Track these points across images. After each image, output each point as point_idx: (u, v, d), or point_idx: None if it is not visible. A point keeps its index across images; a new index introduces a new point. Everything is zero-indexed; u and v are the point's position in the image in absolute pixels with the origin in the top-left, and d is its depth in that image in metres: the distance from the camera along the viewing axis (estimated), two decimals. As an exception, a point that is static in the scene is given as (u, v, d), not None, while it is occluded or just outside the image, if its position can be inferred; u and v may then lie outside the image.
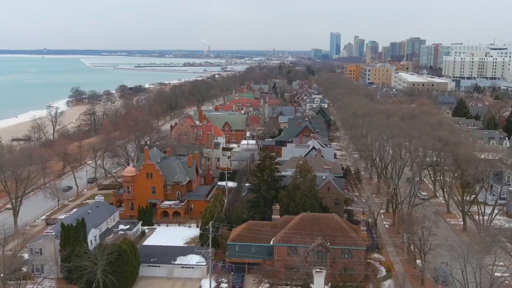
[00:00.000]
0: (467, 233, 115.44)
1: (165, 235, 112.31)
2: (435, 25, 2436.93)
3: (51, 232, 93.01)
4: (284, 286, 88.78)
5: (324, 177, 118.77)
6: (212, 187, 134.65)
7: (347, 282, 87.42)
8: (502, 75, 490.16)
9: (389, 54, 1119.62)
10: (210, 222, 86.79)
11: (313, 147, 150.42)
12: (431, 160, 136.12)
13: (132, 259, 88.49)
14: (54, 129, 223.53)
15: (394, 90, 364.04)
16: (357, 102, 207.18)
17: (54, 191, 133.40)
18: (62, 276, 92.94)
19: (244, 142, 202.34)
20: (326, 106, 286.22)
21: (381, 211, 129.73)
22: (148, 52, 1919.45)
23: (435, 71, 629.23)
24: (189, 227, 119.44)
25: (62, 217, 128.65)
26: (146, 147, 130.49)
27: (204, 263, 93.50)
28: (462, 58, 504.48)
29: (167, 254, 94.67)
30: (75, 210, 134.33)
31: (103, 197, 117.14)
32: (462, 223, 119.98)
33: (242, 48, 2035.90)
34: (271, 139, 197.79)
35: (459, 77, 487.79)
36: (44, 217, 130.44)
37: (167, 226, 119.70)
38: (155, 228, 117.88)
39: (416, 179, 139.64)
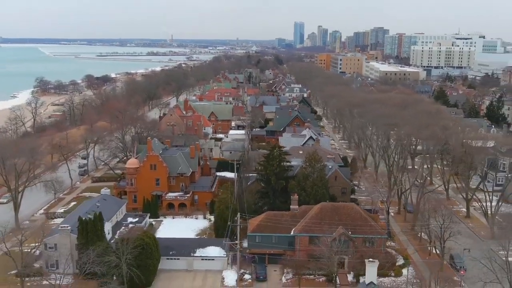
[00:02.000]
0: (471, 219, 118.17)
1: (174, 227, 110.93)
2: (397, 15, 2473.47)
3: (67, 227, 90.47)
4: (307, 276, 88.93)
5: (330, 166, 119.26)
6: (214, 178, 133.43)
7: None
8: (468, 64, 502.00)
9: (352, 43, 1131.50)
10: (238, 214, 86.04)
11: (311, 137, 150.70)
12: (427, 148, 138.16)
13: (155, 252, 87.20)
14: (34, 121, 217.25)
15: (369, 79, 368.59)
16: (343, 92, 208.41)
17: (51, 184, 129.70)
18: (78, 271, 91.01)
19: (232, 132, 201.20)
20: (305, 95, 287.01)
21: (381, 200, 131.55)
22: (109, 41, 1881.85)
23: (401, 60, 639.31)
24: (196, 218, 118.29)
25: (61, 210, 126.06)
26: (149, 138, 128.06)
27: (225, 255, 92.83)
28: (430, 48, 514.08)
29: (186, 247, 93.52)
30: (73, 203, 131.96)
31: (109, 190, 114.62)
32: (463, 209, 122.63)
33: (205, 37, 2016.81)
34: (259, 129, 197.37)
35: (427, 67, 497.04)
36: (42, 211, 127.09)
37: (173, 218, 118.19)
38: (161, 221, 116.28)
39: (410, 167, 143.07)
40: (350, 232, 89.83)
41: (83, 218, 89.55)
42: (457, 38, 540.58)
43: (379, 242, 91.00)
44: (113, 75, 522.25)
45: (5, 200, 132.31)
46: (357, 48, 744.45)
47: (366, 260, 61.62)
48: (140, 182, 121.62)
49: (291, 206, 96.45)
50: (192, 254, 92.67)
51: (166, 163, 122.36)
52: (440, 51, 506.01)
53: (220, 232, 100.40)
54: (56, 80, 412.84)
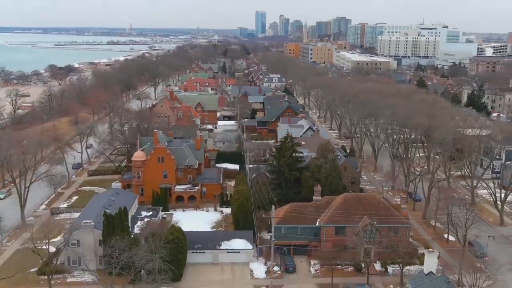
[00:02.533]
0: (477, 206, 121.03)
1: (187, 220, 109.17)
2: (359, 5, 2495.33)
3: (90, 222, 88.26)
4: (335, 266, 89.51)
5: (339, 157, 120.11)
6: (219, 170, 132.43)
7: (395, 259, 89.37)
8: (433, 54, 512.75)
9: (315, 33, 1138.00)
10: (273, 206, 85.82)
11: (309, 127, 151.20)
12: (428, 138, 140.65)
13: (185, 246, 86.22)
14: (14, 112, 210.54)
15: (344, 68, 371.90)
16: (330, 82, 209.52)
17: (50, 179, 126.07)
18: (101, 268, 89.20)
19: (221, 122, 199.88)
20: (284, 85, 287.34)
21: (385, 188, 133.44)
22: (66, 29, 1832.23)
23: (366, 50, 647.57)
24: (207, 211, 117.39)
25: (64, 205, 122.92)
26: (155, 130, 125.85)
27: (251, 247, 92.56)
28: (397, 38, 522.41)
29: (210, 240, 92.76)
30: (75, 197, 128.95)
31: (119, 184, 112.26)
32: (466, 197, 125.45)
33: (165, 26, 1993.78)
34: (248, 120, 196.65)
35: (395, 56, 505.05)
36: (44, 206, 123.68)
37: (183, 211, 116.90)
38: (172, 214, 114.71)
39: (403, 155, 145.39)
40: (375, 222, 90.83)
41: (108, 213, 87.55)
42: (422, 28, 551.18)
43: (403, 231, 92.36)
44: (76, 65, 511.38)
45: (2, 196, 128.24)
46: (326, 38, 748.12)
47: (425, 251, 62.69)
48: (147, 175, 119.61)
49: (314, 197, 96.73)
50: (217, 247, 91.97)
51: (173, 155, 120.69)
52: (407, 41, 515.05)
53: (240, 224, 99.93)
54: (18, 70, 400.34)
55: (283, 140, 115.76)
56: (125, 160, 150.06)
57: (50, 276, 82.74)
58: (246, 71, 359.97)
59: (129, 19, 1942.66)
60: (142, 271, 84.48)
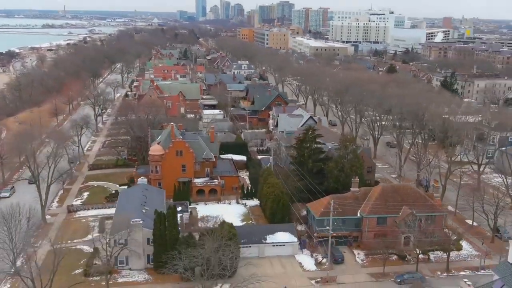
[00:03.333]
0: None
1: (214, 214, 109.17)
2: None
3: (138, 221, 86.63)
4: (379, 255, 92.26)
5: (354, 146, 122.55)
6: (231, 162, 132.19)
7: (434, 247, 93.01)
8: (384, 39, 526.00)
9: (258, 17, 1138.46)
10: (332, 201, 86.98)
11: (310, 117, 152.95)
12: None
13: (239, 241, 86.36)
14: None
15: (308, 55, 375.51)
16: (314, 69, 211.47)
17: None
18: (151, 267, 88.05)
19: (207, 112, 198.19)
20: (252, 72, 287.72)
21: (393, 176, 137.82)
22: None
23: (314, 35, 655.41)
24: (229, 204, 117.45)
25: (78, 202, 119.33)
26: (172, 123, 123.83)
27: (296, 240, 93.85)
28: (349, 23, 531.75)
29: (256, 234, 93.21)
30: (86, 193, 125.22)
31: (146, 180, 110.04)
32: (469, 182, 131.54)
33: (100, 8, 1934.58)
34: (235, 108, 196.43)
35: (346, 41, 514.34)
36: (56, 204, 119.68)
37: (206, 204, 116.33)
38: (195, 208, 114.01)
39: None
40: (414, 212, 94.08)
41: (159, 211, 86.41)
42: (371, 14, 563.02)
43: (439, 219, 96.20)
44: (17, 50, 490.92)
45: (7, 194, 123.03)
46: (278, 23, 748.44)
47: (510, 241, 65.80)
48: (165, 169, 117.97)
49: (351, 189, 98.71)
50: (263, 241, 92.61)
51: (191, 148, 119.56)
52: (358, 27, 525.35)
53: (277, 217, 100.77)
54: None
55: (304, 131, 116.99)
56: (126, 153, 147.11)
57: (108, 276, 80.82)
58: (209, 58, 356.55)
59: (62, 0, 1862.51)
60: (196, 268, 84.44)
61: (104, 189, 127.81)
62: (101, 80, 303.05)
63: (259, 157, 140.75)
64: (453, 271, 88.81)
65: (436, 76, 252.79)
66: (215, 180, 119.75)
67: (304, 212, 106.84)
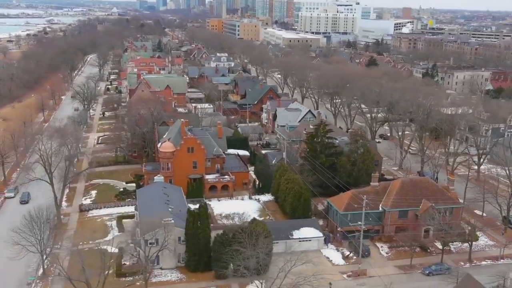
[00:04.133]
0: (483, 182, 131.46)
1: (231, 211, 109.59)
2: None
3: (170, 220, 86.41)
4: (401, 248, 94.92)
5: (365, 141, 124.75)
6: (238, 157, 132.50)
7: (452, 238, 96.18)
8: (352, 30, 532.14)
9: (220, 7, 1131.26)
10: (365, 197, 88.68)
11: (309, 111, 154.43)
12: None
13: (271, 238, 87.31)
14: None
15: (284, 46, 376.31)
16: (301, 62, 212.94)
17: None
18: (182, 265, 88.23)
19: (198, 105, 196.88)
20: (232, 64, 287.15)
21: (394, 168, 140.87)
22: None
23: (281, 25, 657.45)
24: (242, 199, 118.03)
25: (87, 201, 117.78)
26: (182, 120, 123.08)
27: (321, 235, 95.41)
28: (318, 14, 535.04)
29: (282, 230, 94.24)
30: (93, 192, 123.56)
31: (162, 177, 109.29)
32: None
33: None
34: (227, 102, 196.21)
35: (316, 32, 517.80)
36: (65, 203, 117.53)
37: (219, 200, 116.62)
38: (209, 204, 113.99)
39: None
40: (433, 204, 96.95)
41: (191, 210, 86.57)
42: (338, 5, 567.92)
43: (457, 211, 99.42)
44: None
45: (12, 194, 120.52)
46: (247, 14, 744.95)
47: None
48: (176, 166, 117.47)
49: (371, 183, 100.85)
50: (289, 237, 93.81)
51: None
52: (327, 18, 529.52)
53: (298, 212, 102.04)
54: None
55: (316, 126, 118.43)
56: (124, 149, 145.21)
57: (147, 275, 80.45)
58: (184, 50, 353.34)
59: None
60: (230, 265, 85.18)
61: (110, 187, 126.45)
62: (77, 73, 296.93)
63: (263, 151, 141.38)
64: (475, 261, 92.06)
65: (416, 68, 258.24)
66: (227, 176, 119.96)
67: (321, 207, 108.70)
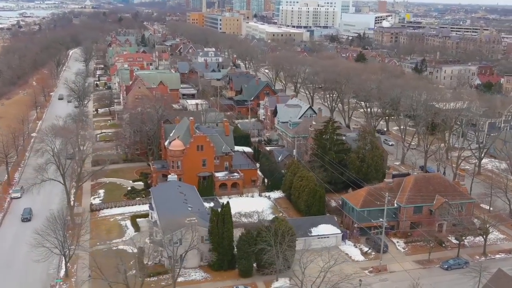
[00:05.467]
0: (483, 176, 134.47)
1: (245, 208, 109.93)
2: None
3: (193, 220, 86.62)
4: (417, 243, 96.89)
5: (373, 137, 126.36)
6: (245, 154, 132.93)
7: (464, 233, 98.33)
8: (333, 24, 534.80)
9: (197, 0, 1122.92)
10: (387, 195, 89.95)
11: (310, 107, 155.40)
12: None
13: (295, 236, 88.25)
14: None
15: (269, 41, 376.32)
16: (292, 58, 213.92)
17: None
18: (205, 264, 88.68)
19: (190, 101, 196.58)
20: (220, 59, 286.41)
21: (396, 163, 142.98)
22: None
23: (262, 19, 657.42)
24: (252, 197, 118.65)
25: (96, 201, 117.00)
26: (191, 118, 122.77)
27: (339, 232, 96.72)
28: (299, 8, 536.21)
29: (301, 227, 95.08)
30: (101, 191, 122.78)
31: (176, 176, 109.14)
32: (466, 167, 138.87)
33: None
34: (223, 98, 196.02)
35: (296, 26, 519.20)
36: (72, 203, 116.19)
37: (229, 198, 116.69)
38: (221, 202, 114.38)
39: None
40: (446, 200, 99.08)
41: (214, 209, 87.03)
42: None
43: (469, 206, 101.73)
44: None
45: (18, 195, 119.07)
46: (228, 7, 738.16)
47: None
48: (186, 164, 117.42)
49: (385, 180, 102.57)
50: (308, 234, 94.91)
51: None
52: (308, 11, 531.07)
53: (313, 209, 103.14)
54: None
55: (325, 123, 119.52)
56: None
57: (176, 275, 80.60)
58: (168, 44, 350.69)
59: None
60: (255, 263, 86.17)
61: (118, 186, 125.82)
62: (61, 68, 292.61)
63: (268, 148, 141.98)
64: (489, 254, 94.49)
65: (405, 63, 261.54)
66: (236, 174, 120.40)
67: (333, 203, 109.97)
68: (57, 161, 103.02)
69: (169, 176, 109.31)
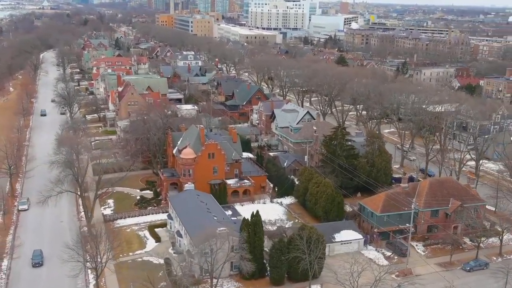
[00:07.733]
0: (481, 178, 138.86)
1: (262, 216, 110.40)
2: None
3: (224, 229, 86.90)
4: (435, 246, 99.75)
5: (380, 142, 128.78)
6: (253, 161, 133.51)
7: (479, 234, 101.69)
8: (302, 26, 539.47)
9: (161, 2, 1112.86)
10: (414, 200, 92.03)
11: (308, 112, 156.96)
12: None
13: (325, 243, 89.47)
14: None
15: (245, 44, 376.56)
16: (278, 61, 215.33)
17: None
18: (235, 274, 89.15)
19: (182, 107, 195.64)
20: (200, 63, 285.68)
21: (396, 166, 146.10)
22: None
23: (230, 21, 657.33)
24: (264, 203, 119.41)
25: (107, 211, 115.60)
26: (201, 126, 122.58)
27: (361, 237, 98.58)
28: (269, 10, 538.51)
29: (324, 233, 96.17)
30: (110, 201, 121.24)
31: (192, 185, 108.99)
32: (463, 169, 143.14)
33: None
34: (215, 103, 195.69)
35: (266, 28, 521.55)
36: (83, 214, 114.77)
37: (242, 205, 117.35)
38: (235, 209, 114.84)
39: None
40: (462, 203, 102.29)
41: (246, 219, 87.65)
42: (286, 0, 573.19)
43: (481, 209, 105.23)
44: None
45: (26, 207, 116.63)
46: (197, 9, 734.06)
47: None
48: (197, 172, 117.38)
49: (401, 184, 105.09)
50: (332, 240, 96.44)
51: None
52: (278, 13, 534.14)
53: (331, 215, 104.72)
54: None
55: (334, 129, 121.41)
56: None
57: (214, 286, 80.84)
58: (143, 47, 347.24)
59: None
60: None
61: (126, 195, 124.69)
62: (38, 72, 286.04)
63: (271, 154, 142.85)
64: (505, 255, 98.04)
65: (386, 66, 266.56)
66: (247, 181, 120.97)
67: (348, 208, 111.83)
68: (75, 173, 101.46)
69: (186, 185, 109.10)
